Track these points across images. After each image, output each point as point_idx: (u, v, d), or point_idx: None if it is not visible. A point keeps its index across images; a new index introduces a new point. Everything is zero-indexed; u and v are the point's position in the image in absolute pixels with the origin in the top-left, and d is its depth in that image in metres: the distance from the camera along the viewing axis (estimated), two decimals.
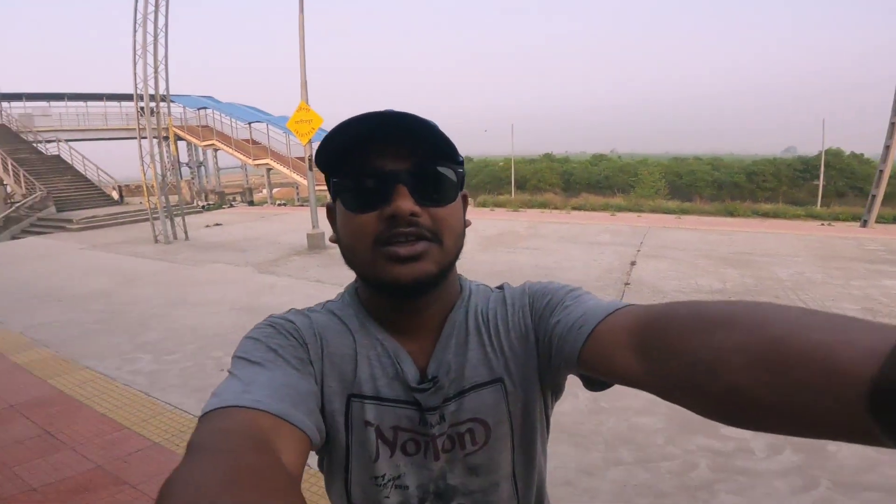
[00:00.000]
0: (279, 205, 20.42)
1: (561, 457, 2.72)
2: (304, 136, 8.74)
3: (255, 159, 21.04)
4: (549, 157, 37.70)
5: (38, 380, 3.86)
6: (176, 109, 22.31)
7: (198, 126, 22.94)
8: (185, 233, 11.18)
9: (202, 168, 25.24)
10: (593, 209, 15.81)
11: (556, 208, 15.94)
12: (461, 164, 0.61)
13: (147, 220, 11.28)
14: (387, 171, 0.56)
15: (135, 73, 10.09)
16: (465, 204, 0.65)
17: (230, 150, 21.71)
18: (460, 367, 0.62)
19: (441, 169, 0.58)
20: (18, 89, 23.54)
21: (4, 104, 20.90)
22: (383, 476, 0.61)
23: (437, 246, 0.57)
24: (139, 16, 9.81)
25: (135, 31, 9.92)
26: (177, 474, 0.33)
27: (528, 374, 0.63)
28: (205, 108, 22.74)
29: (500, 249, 8.43)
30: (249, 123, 21.87)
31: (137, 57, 10.03)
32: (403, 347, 0.62)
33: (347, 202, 0.58)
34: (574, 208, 16.17)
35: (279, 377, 0.52)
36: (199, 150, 24.03)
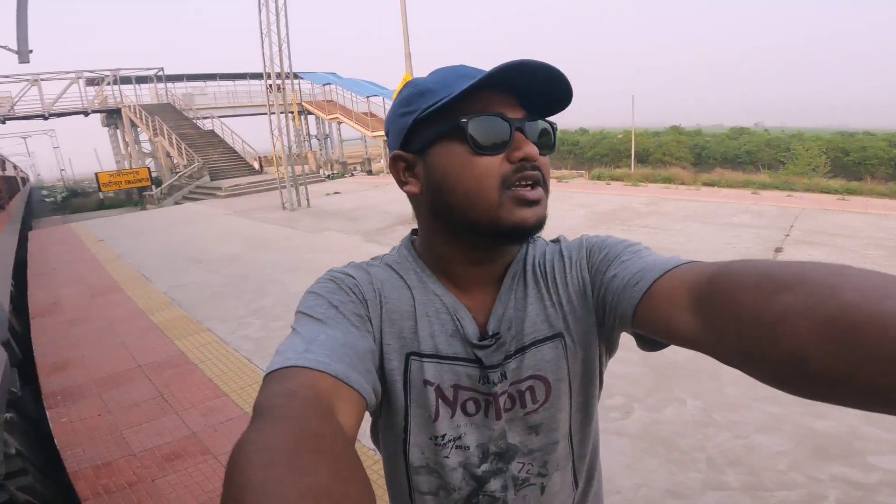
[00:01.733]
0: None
1: (649, 472, 2.34)
2: None
3: (373, 131, 21.99)
4: (676, 129, 34.07)
5: (167, 340, 4.26)
6: (305, 86, 24.09)
7: (323, 101, 24.55)
8: (308, 200, 12.07)
9: (328, 140, 27.12)
10: (730, 186, 13.83)
11: (682, 184, 14.21)
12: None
13: (277, 188, 12.35)
14: (513, 118, 0.56)
15: (263, 52, 10.88)
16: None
17: (351, 123, 22.94)
18: (520, 322, 0.62)
19: (547, 122, 0.60)
20: (181, 71, 26.94)
21: (170, 85, 24.25)
22: (443, 436, 0.61)
23: (545, 192, 0.58)
24: None
25: (259, 11, 10.66)
26: (246, 438, 0.34)
27: (587, 329, 0.62)
28: (329, 83, 24.20)
29: (613, 226, 7.73)
30: (368, 97, 22.83)
31: (263, 36, 10.79)
32: (462, 303, 0.62)
33: (476, 142, 0.55)
34: (705, 184, 14.27)
35: (339, 336, 0.52)
36: (325, 123, 25.77)
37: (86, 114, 22.17)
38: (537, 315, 0.62)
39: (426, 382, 0.60)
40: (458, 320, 0.61)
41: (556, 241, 0.68)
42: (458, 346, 0.60)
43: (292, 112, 11.65)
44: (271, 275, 6.13)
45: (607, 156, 29.61)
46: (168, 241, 8.97)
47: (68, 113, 21.79)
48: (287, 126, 11.61)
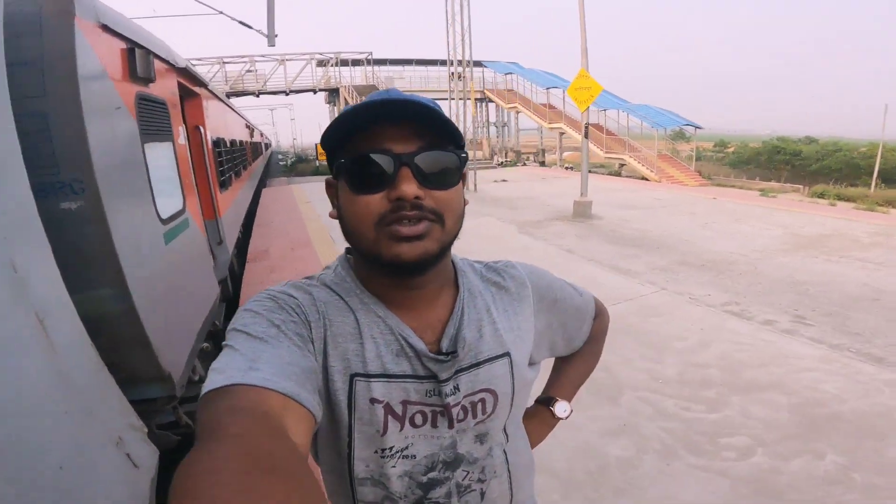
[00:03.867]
0: (567, 168, 20.67)
1: None
2: (583, 104, 8.49)
3: (549, 122, 21.65)
4: None
5: None
6: (488, 74, 24.81)
7: (504, 90, 24.98)
8: (475, 185, 12.57)
9: (505, 128, 27.59)
10: None
11: None
12: (463, 147, 0.62)
13: None
14: (393, 153, 0.57)
15: (447, 41, 11.57)
16: (465, 183, 0.65)
17: (529, 113, 22.96)
18: (476, 342, 0.66)
19: (444, 153, 0.59)
20: (385, 56, 30.05)
21: (376, 68, 27.32)
22: (391, 448, 0.63)
23: (438, 226, 0.59)
24: None
25: (445, 1, 11.29)
26: (192, 459, 0.34)
27: (526, 352, 0.72)
28: (510, 73, 24.52)
29: (814, 255, 6.38)
30: (547, 89, 22.52)
31: (448, 26, 11.43)
32: (405, 323, 0.63)
33: (352, 183, 0.58)
34: None
35: (284, 354, 0.52)
36: (504, 111, 26.22)
37: (314, 91, 26.48)
38: (491, 337, 0.67)
39: (374, 401, 0.61)
40: (404, 339, 0.63)
41: (490, 268, 0.75)
42: (406, 364, 0.62)
43: (479, 99, 12.21)
44: None
45: (840, 171, 24.25)
46: None
47: (303, 90, 26.32)
48: (464, 112, 12.20)
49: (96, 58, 2.11)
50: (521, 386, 0.70)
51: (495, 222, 8.54)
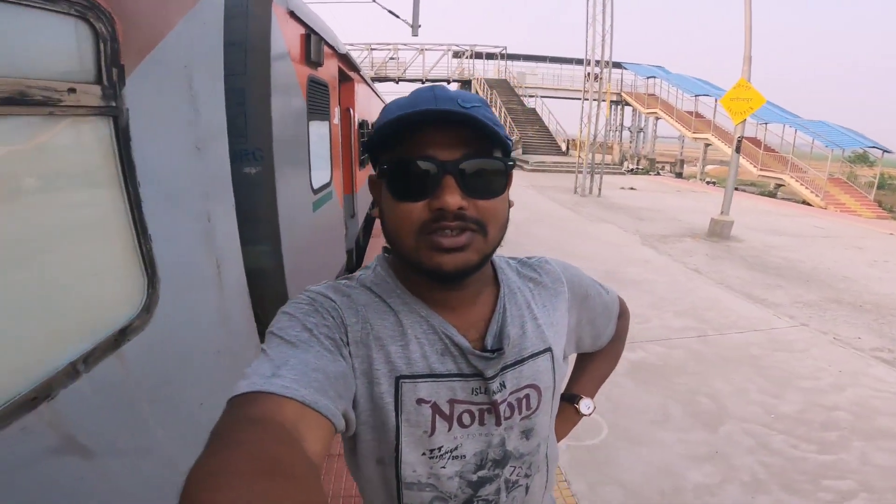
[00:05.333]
0: (707, 182, 18.90)
1: None
2: (738, 116, 7.61)
3: (694, 132, 19.90)
4: None
5: None
6: (627, 76, 23.40)
7: (644, 94, 23.41)
8: (599, 190, 12.04)
9: (640, 134, 25.91)
10: None
11: None
12: (510, 153, 0.61)
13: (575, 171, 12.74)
14: (437, 160, 0.55)
15: (586, 40, 11.10)
16: (510, 183, 0.62)
17: (671, 121, 21.30)
18: (519, 338, 0.66)
19: (490, 160, 0.57)
20: (520, 51, 29.70)
21: (509, 63, 27.23)
22: (440, 448, 0.62)
23: (481, 236, 0.58)
24: None
25: (587, 1, 10.80)
26: (198, 462, 0.36)
27: (563, 344, 0.73)
28: (653, 77, 22.84)
29: None
30: (696, 96, 20.63)
31: (588, 25, 10.93)
32: (449, 321, 0.63)
33: (394, 189, 0.57)
34: None
35: (311, 359, 0.52)
36: (642, 116, 24.61)
37: (448, 81, 27.29)
38: (533, 332, 0.68)
39: (421, 401, 0.61)
40: (449, 338, 0.62)
41: (525, 264, 0.75)
42: (451, 363, 0.62)
43: (615, 101, 11.64)
44: (535, 248, 6.45)
45: None
46: None
47: (438, 80, 27.27)
48: (597, 114, 11.69)
49: (283, 42, 2.40)
50: (560, 380, 0.71)
51: (615, 230, 8.14)
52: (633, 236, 7.73)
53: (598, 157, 12.34)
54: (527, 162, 18.47)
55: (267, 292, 2.43)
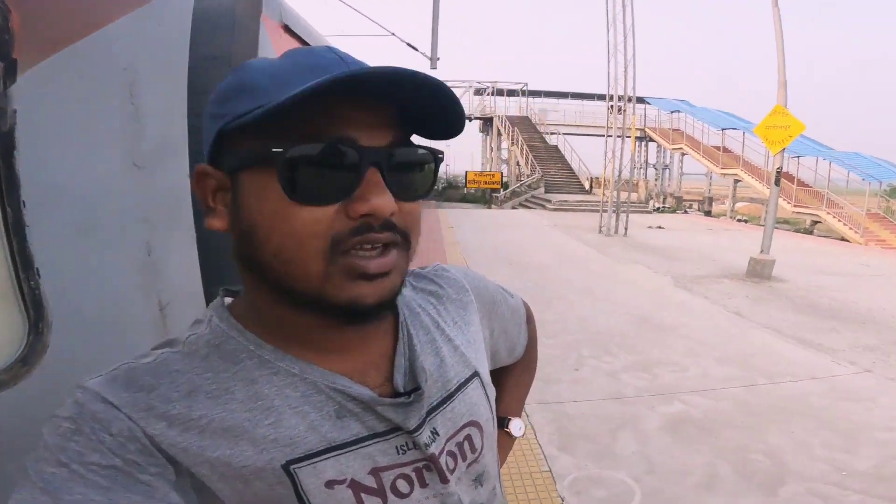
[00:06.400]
0: (738, 220, 18.28)
1: None
2: (776, 145, 7.23)
3: (722, 168, 19.45)
4: None
5: None
6: (651, 111, 23.31)
7: (669, 129, 23.18)
8: (626, 229, 11.66)
9: (666, 171, 25.54)
10: None
11: None
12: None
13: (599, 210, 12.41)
14: (359, 146, 0.40)
15: (608, 72, 10.95)
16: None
17: (697, 156, 20.94)
18: (439, 369, 0.53)
19: (420, 150, 0.45)
20: (541, 87, 30.07)
21: (530, 99, 27.54)
22: None
23: (405, 253, 0.45)
24: (609, 15, 10.53)
25: (607, 30, 10.70)
26: None
27: (486, 363, 0.62)
28: (677, 111, 22.63)
29: None
30: (723, 130, 20.27)
31: (609, 56, 10.83)
32: (336, 371, 0.47)
33: (294, 186, 0.40)
34: None
35: None
36: (667, 152, 24.33)
37: (469, 119, 27.65)
38: (452, 358, 0.56)
39: (332, 484, 0.45)
40: (342, 393, 0.46)
41: (419, 275, 0.62)
42: (355, 424, 0.47)
43: (629, 136, 11.39)
44: (562, 291, 6.19)
45: None
46: (495, 239, 10.29)
47: None
48: (622, 150, 11.44)
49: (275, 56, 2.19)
50: (492, 405, 0.60)
51: (645, 272, 7.71)
52: (665, 277, 7.28)
53: (624, 195, 12.01)
54: (549, 201, 18.26)
55: None
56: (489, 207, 20.16)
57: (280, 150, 0.39)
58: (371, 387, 0.48)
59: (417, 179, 0.46)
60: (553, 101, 27.98)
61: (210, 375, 0.43)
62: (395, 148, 0.43)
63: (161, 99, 1.29)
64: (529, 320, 0.78)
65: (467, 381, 0.56)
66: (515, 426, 0.76)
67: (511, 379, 0.78)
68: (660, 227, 13.49)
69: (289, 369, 0.45)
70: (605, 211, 11.84)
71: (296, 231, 0.40)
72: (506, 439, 0.76)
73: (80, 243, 1.00)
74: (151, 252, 1.22)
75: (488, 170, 27.35)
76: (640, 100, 20.38)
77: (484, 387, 0.58)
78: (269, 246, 0.41)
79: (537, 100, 28.02)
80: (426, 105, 0.43)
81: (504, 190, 21.87)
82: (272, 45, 2.12)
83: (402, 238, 0.44)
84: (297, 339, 0.46)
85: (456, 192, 28.76)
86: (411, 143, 0.46)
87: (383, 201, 0.40)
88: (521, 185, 20.97)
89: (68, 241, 0.98)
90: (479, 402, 0.56)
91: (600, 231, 11.81)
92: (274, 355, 0.45)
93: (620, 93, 11.13)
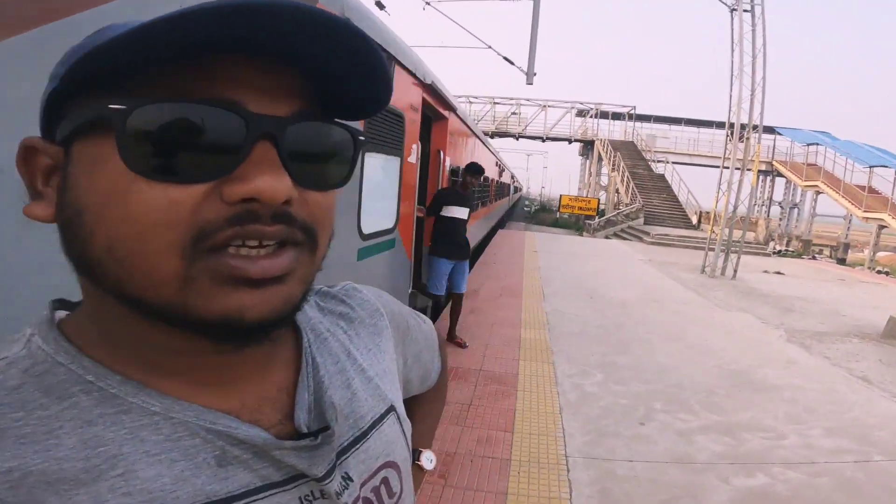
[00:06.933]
0: (878, 272, 15.60)
1: None
2: None
3: (865, 211, 16.80)
4: None
5: (514, 357, 4.44)
6: (782, 143, 20.82)
7: (803, 163, 20.52)
8: (735, 271, 10.41)
9: (794, 210, 22.67)
10: None
11: None
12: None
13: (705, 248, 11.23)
14: (246, 111, 0.32)
15: (730, 95, 9.85)
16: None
17: (835, 196, 18.29)
18: (350, 404, 0.46)
19: (334, 127, 0.38)
20: (650, 112, 28.33)
21: (637, 124, 26.00)
22: None
23: (307, 255, 0.36)
24: (735, 34, 9.46)
25: (732, 50, 9.61)
26: None
27: (401, 396, 0.56)
28: (815, 143, 19.95)
29: None
30: (871, 167, 17.48)
31: (734, 78, 9.72)
32: (215, 408, 0.37)
33: (142, 158, 0.31)
34: None
35: None
36: (798, 189, 21.58)
37: (570, 141, 26.92)
38: (365, 391, 0.48)
39: None
40: (227, 436, 0.36)
41: (326, 294, 0.54)
42: (244, 473, 0.37)
43: (750, 169, 10.15)
44: (646, 334, 5.56)
45: None
46: (579, 269, 9.70)
47: (559, 138, 27.01)
48: (740, 182, 10.24)
49: None
50: (409, 442, 0.53)
51: (751, 321, 6.71)
52: (776, 331, 6.27)
53: (738, 234, 10.73)
54: (647, 233, 16.99)
55: None
56: (580, 234, 19.30)
57: (123, 106, 0.30)
58: (265, 426, 0.39)
59: (331, 164, 0.38)
60: (664, 126, 26.29)
61: (22, 415, 0.32)
62: (300, 121, 0.34)
63: None
64: (441, 346, 0.74)
65: (382, 416, 0.49)
66: (426, 459, 0.72)
67: (422, 408, 0.74)
68: (778, 273, 11.88)
69: (146, 406, 0.35)
70: (712, 249, 10.66)
71: (136, 216, 0.30)
72: (417, 472, 0.70)
73: (25, 235, 0.92)
74: None
75: (585, 195, 26.33)
76: (770, 129, 18.35)
77: (401, 422, 0.52)
78: (97, 238, 0.32)
79: (645, 124, 26.50)
80: (343, 67, 0.35)
81: (599, 217, 20.84)
82: None
83: (305, 235, 0.35)
84: (159, 366, 0.36)
85: (548, 216, 28.05)
86: (323, 118, 0.37)
87: (275, 183, 0.32)
88: (619, 213, 19.81)
89: (8, 234, 0.91)
90: (395, 439, 0.50)
91: (703, 271, 10.65)
92: (124, 388, 0.35)
93: (744, 120, 10.00)
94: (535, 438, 3.00)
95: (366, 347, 0.52)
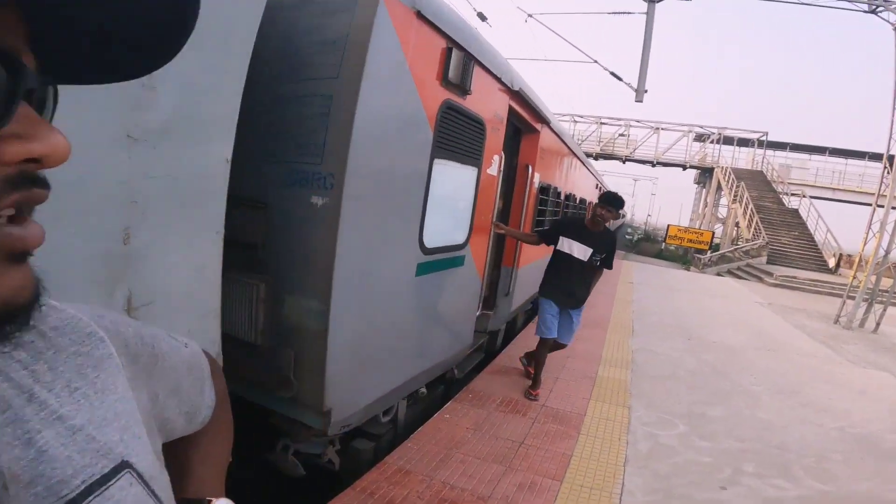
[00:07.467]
0: None
1: None
2: None
3: None
4: None
5: (585, 396, 3.95)
6: None
7: None
8: (877, 324, 8.72)
9: None
10: None
11: None
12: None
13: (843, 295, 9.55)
14: (17, 59, 0.29)
15: (891, 123, 8.21)
16: None
17: None
18: (35, 465, 0.34)
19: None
20: (785, 139, 25.10)
21: (769, 152, 23.01)
22: None
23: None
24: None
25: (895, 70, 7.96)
26: None
27: (149, 445, 0.43)
28: None
29: None
30: None
31: (895, 105, 8.08)
32: None
33: None
34: None
35: None
36: None
37: (684, 167, 24.60)
38: (67, 444, 0.36)
39: None
40: None
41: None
42: None
43: None
44: (751, 386, 4.73)
45: None
46: (680, 306, 8.74)
47: (671, 164, 24.73)
48: (884, 220, 8.57)
49: (399, 48, 1.95)
50: (166, 500, 0.42)
51: (891, 381, 5.57)
52: None
53: (888, 282, 8.99)
54: (770, 274, 14.97)
55: (303, 351, 1.94)
56: (688, 269, 17.57)
57: None
58: None
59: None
60: (803, 156, 23.08)
61: None
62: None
63: (188, 68, 1.12)
64: (215, 374, 0.61)
65: (107, 478, 0.37)
66: None
67: (200, 451, 0.61)
68: None
69: None
70: (852, 297, 9.03)
71: None
72: None
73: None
74: (129, 240, 1.04)
75: (698, 226, 24.05)
76: None
77: (145, 482, 0.39)
78: None
79: (779, 153, 23.52)
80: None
81: (711, 252, 18.83)
82: (396, 35, 1.90)
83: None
84: None
85: (651, 247, 25.92)
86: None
87: (62, 140, 0.30)
88: (737, 249, 17.71)
89: None
90: None
91: (837, 321, 9.05)
92: None
93: None
94: (586, 492, 2.58)
95: (68, 387, 0.39)
